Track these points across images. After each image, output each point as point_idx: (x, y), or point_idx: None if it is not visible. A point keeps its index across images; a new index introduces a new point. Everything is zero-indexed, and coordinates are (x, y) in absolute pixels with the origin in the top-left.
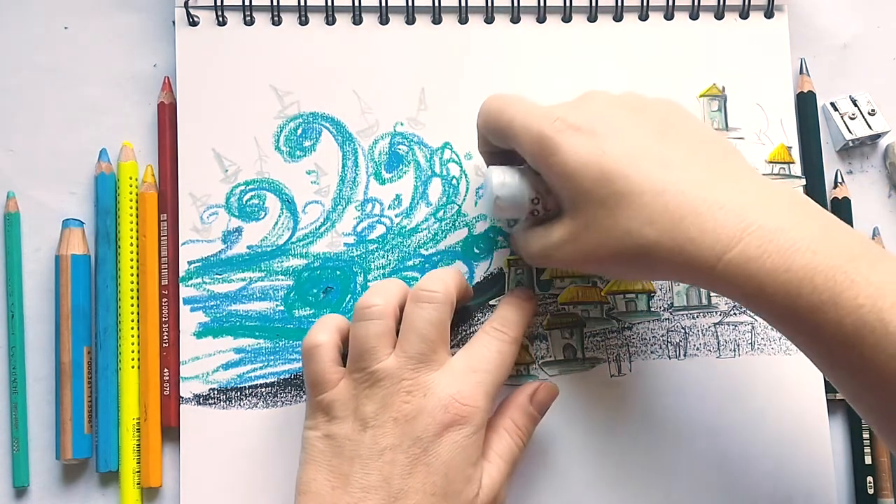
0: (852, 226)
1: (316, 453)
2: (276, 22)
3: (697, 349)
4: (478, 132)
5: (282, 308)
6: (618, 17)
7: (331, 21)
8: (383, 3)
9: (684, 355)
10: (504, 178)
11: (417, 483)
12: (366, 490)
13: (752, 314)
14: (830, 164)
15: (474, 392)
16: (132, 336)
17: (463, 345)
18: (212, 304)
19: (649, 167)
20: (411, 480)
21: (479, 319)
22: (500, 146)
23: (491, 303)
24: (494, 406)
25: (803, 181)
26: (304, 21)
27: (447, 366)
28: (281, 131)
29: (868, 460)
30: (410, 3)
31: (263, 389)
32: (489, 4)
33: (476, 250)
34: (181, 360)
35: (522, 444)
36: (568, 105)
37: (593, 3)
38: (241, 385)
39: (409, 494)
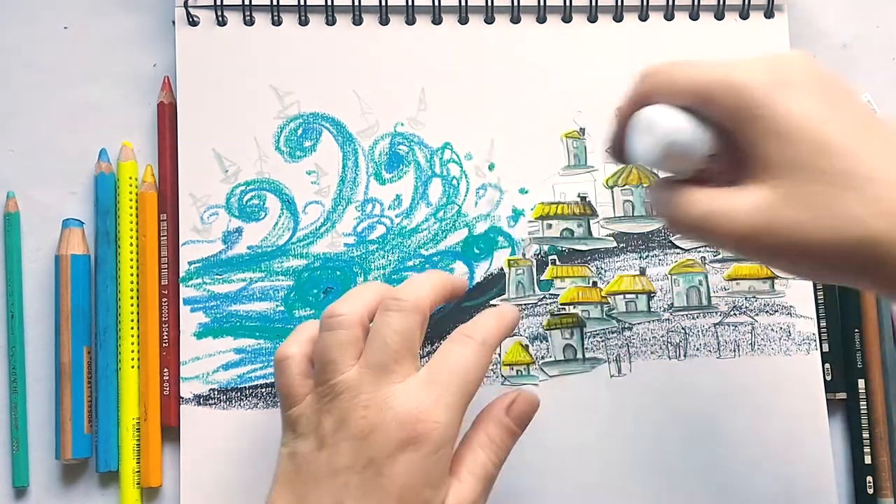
0: None
1: (281, 472)
2: (276, 22)
3: (697, 349)
4: (636, 89)
5: (282, 308)
6: (618, 17)
7: (331, 21)
8: (383, 4)
9: (684, 356)
10: (678, 122)
11: None
12: None
13: (752, 314)
14: None
15: (434, 406)
16: (132, 336)
17: None
18: (212, 304)
19: (875, 150)
20: (365, 502)
21: None
22: (683, 105)
23: (492, 302)
24: (461, 419)
25: None
26: (304, 21)
27: (410, 378)
28: (281, 131)
29: (868, 460)
30: (410, 3)
31: (263, 390)
32: (489, 4)
33: (476, 250)
34: (181, 360)
35: (498, 459)
36: (769, 58)
37: (593, 3)
38: (242, 385)
39: None
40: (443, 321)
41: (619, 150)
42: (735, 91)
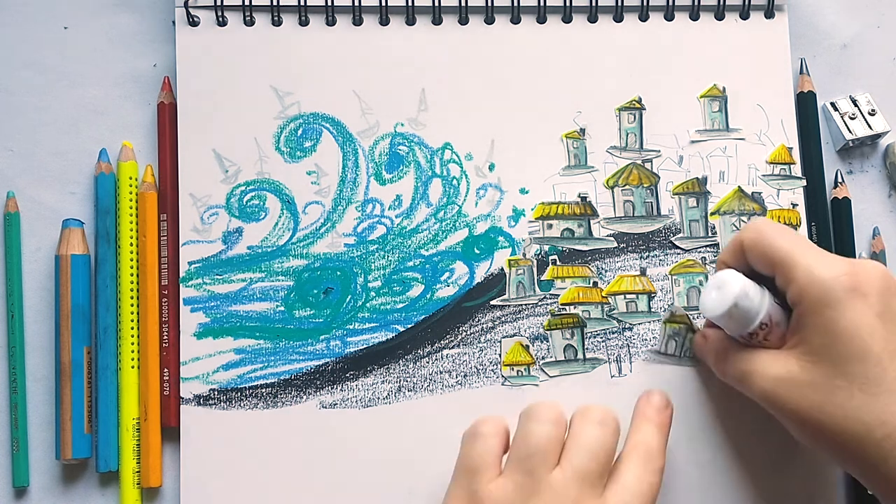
0: (852, 226)
1: None
2: (276, 22)
3: None
4: (735, 246)
5: (282, 308)
6: (618, 18)
7: (331, 21)
8: (383, 4)
9: (684, 355)
10: (748, 290)
11: None
12: None
13: None
14: (830, 165)
15: None
16: (132, 336)
17: (463, 345)
18: (212, 304)
19: None
20: None
21: (479, 320)
22: (758, 270)
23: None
24: None
25: (804, 182)
26: (304, 21)
27: (606, 498)
28: (281, 132)
29: None
30: (410, 4)
31: (263, 390)
32: (489, 4)
33: (476, 250)
34: (181, 360)
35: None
36: (851, 263)
37: (593, 3)
38: (242, 385)
39: None
40: (443, 321)
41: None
42: (817, 284)
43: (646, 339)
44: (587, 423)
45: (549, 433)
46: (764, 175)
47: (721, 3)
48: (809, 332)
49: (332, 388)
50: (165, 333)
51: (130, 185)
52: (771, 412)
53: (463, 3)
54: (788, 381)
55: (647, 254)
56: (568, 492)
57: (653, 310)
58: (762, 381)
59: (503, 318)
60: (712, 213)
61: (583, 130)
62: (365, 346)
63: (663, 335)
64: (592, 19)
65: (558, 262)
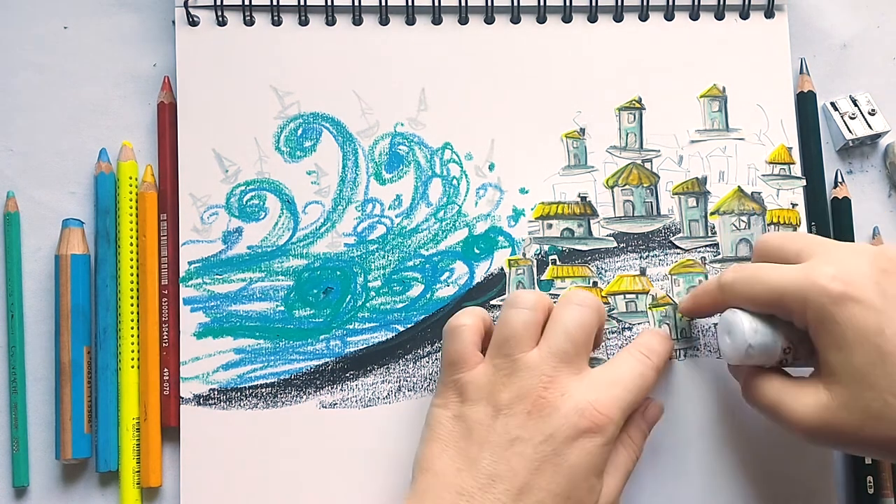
0: (852, 225)
1: (444, 432)
2: (276, 22)
3: (697, 349)
4: (716, 295)
5: (282, 308)
6: (618, 17)
7: (331, 21)
8: (383, 4)
9: (684, 355)
10: (756, 325)
11: (543, 481)
12: (492, 478)
13: None
14: (830, 164)
15: (612, 404)
16: (132, 336)
17: None
18: (212, 304)
19: None
20: (538, 477)
21: None
22: (760, 311)
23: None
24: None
25: (803, 182)
26: (304, 21)
27: (587, 374)
28: (281, 131)
29: (868, 460)
30: (410, 4)
31: (263, 390)
32: (489, 4)
33: (476, 250)
34: (181, 360)
35: (636, 457)
36: (836, 262)
37: (593, 3)
38: (242, 385)
39: (533, 490)
40: (443, 321)
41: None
42: (803, 304)
43: None
44: (566, 304)
45: (526, 317)
46: (764, 175)
47: (721, 3)
48: (824, 353)
49: (332, 388)
50: (165, 333)
51: (130, 185)
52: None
53: (463, 3)
54: (825, 413)
55: (646, 254)
56: (543, 368)
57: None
58: (798, 419)
59: None
60: (712, 213)
61: (583, 130)
62: (365, 345)
63: (654, 323)
64: (592, 19)
65: (558, 262)
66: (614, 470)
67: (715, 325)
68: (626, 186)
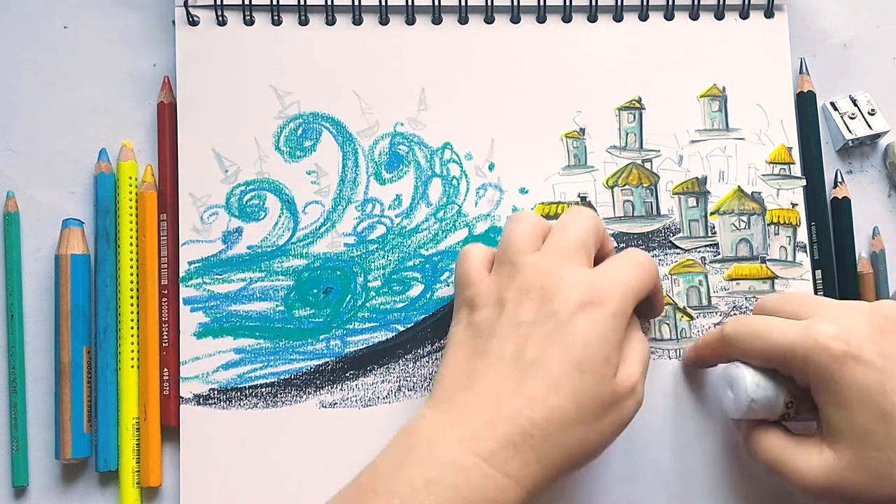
0: (852, 225)
1: (457, 342)
2: (276, 22)
3: None
4: (718, 347)
5: (282, 308)
6: (618, 17)
7: (331, 21)
8: (383, 3)
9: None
10: (758, 380)
11: (553, 353)
12: (499, 357)
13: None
14: (830, 164)
15: (612, 280)
16: (132, 336)
17: None
18: (212, 304)
19: None
20: (547, 351)
21: None
22: (762, 365)
23: None
24: (632, 310)
25: (803, 181)
26: (304, 21)
27: (587, 268)
28: (281, 131)
29: None
30: (410, 3)
31: (263, 389)
32: (489, 4)
33: None
34: (181, 360)
35: (649, 353)
36: (835, 321)
37: (593, 3)
38: (242, 385)
39: (542, 363)
40: (443, 320)
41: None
42: (805, 363)
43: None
44: (565, 214)
45: (524, 230)
46: (764, 175)
47: (721, 2)
48: (826, 411)
49: (331, 388)
50: (165, 333)
51: (130, 185)
52: None
53: (463, 3)
54: (830, 474)
55: None
56: (544, 265)
57: None
58: (802, 479)
59: None
60: (712, 213)
61: (583, 130)
62: (365, 345)
63: (653, 322)
64: (592, 19)
65: None
66: (630, 358)
67: (714, 324)
68: (626, 186)
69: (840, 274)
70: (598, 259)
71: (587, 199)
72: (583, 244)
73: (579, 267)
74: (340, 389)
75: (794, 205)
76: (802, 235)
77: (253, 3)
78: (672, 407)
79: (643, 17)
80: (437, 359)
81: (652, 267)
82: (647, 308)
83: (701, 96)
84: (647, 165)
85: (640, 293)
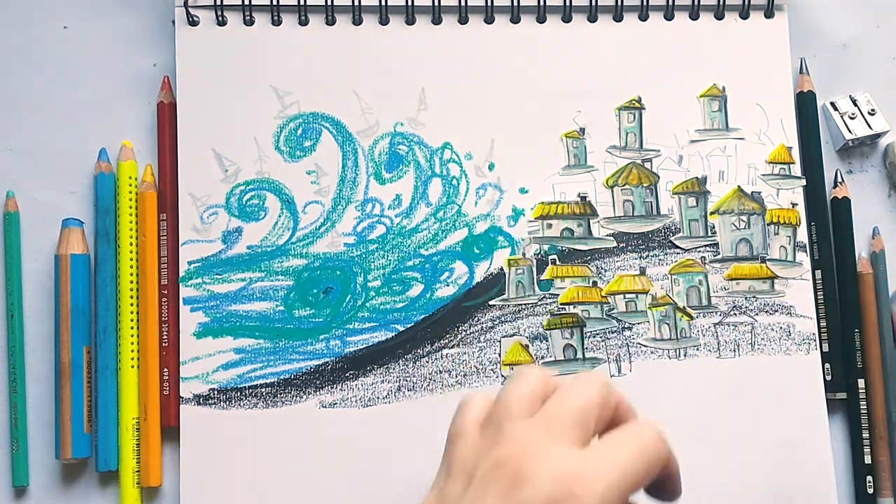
0: (852, 225)
1: None
2: (276, 22)
3: (697, 349)
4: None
5: (282, 308)
6: (618, 17)
7: (331, 21)
8: (383, 3)
9: (684, 355)
10: None
11: None
12: None
13: (752, 314)
14: (830, 164)
15: (600, 474)
16: (132, 336)
17: (463, 345)
18: (212, 304)
19: None
20: None
21: (478, 320)
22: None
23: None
24: None
25: (803, 181)
26: (304, 21)
27: (577, 449)
28: (281, 131)
29: (868, 460)
30: (410, 3)
31: (263, 389)
32: (489, 4)
33: (476, 250)
34: (181, 360)
35: None
36: None
37: (593, 3)
38: (241, 385)
39: None
40: (443, 320)
41: None
42: None
43: (646, 340)
44: (573, 378)
45: (524, 390)
46: (763, 175)
47: (721, 2)
48: None
49: (331, 388)
50: (165, 333)
51: (130, 185)
52: None
53: (463, 3)
54: None
55: (646, 253)
56: (528, 438)
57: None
58: None
59: (503, 318)
60: (712, 213)
61: (582, 130)
62: (365, 345)
63: (654, 322)
64: (592, 19)
65: (558, 262)
66: None
67: (714, 324)
68: (626, 186)
69: (840, 274)
70: (613, 424)
71: (587, 199)
72: (580, 418)
73: (568, 446)
74: (340, 389)
75: (794, 205)
76: (802, 235)
77: (253, 3)
78: (675, 405)
79: (643, 17)
80: (436, 359)
81: (658, 447)
82: (659, 491)
83: (701, 96)
84: (647, 165)
85: (637, 483)
